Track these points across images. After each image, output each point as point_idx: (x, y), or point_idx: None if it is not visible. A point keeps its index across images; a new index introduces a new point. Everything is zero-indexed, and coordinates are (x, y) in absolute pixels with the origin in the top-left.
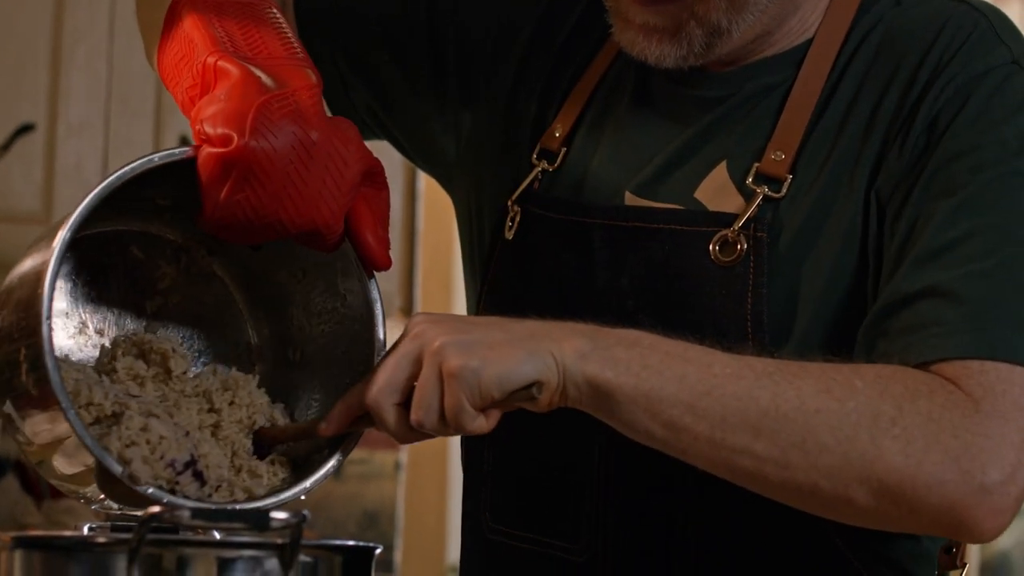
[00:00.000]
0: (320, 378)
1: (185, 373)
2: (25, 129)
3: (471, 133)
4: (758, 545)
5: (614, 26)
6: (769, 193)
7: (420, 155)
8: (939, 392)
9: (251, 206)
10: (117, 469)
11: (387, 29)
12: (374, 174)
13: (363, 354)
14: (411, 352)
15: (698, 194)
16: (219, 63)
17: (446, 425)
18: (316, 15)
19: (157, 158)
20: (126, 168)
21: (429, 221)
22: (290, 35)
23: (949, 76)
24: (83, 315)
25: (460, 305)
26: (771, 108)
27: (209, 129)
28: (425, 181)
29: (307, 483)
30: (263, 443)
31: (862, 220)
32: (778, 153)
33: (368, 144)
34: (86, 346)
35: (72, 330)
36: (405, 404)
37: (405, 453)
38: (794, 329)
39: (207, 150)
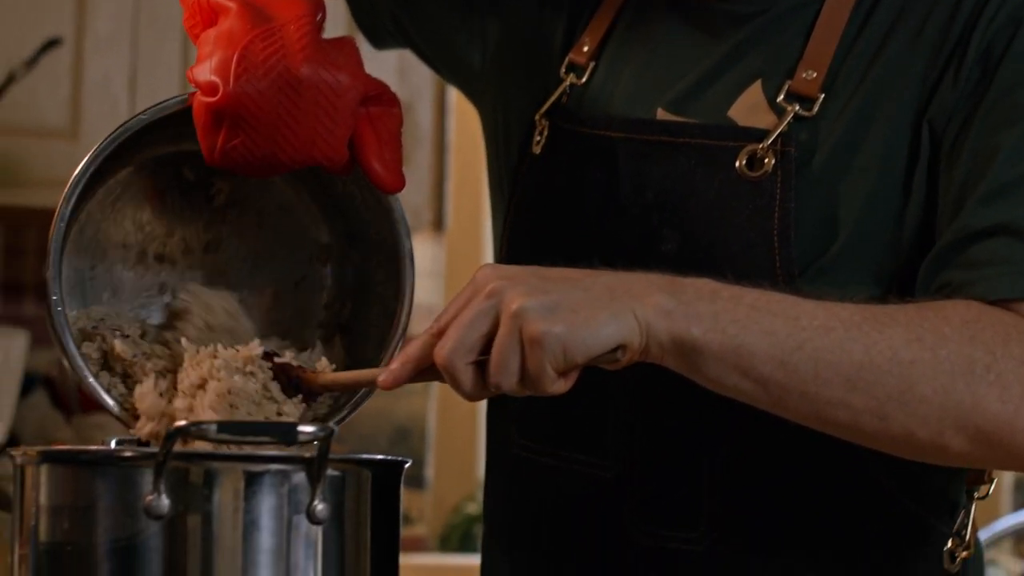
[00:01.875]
0: (374, 285)
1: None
2: (52, 44)
3: (497, 44)
4: (789, 464)
5: None
6: (800, 112)
7: (445, 65)
8: None
9: (247, 150)
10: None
11: None
12: (378, 95)
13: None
14: (488, 310)
15: (732, 112)
16: None
17: (524, 387)
18: None
19: (147, 114)
20: (119, 130)
21: (459, 134)
22: None
23: (1000, 1)
24: (142, 243)
25: (490, 218)
26: (804, 25)
27: (199, 76)
28: (455, 94)
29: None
30: (314, 390)
31: (909, 147)
32: (809, 72)
33: (399, 56)
34: (147, 274)
35: (132, 260)
36: (478, 363)
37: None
38: (829, 251)
39: (199, 98)
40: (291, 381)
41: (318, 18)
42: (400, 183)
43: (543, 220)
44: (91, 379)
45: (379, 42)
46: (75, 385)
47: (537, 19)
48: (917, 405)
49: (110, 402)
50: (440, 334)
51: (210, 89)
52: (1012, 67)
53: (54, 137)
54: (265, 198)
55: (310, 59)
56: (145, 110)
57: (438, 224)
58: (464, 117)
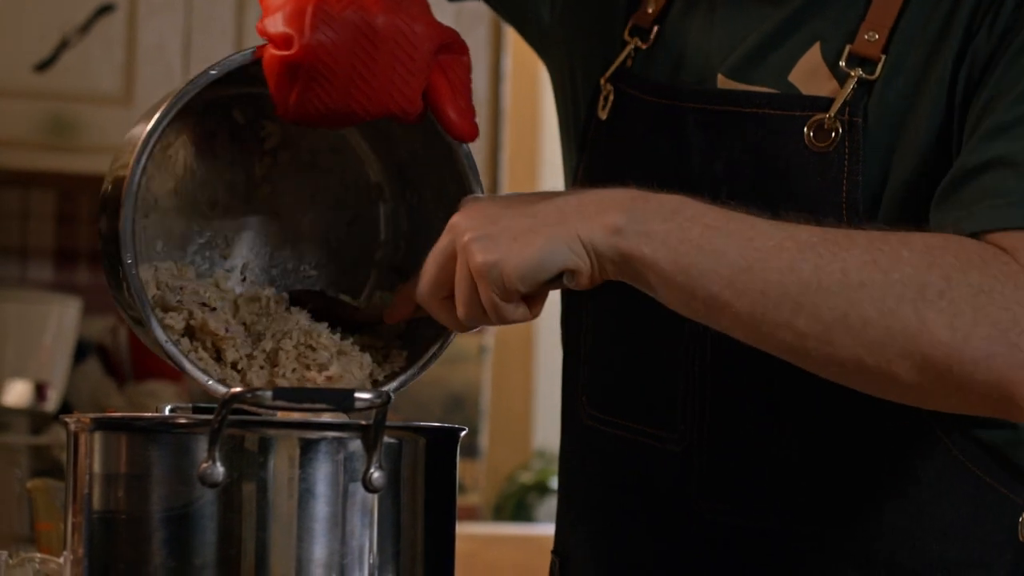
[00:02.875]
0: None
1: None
2: (106, 9)
3: (563, 6)
4: (857, 437)
5: None
6: (863, 75)
7: (514, 18)
8: (992, 263)
9: (323, 103)
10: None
11: None
12: (450, 44)
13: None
14: (447, 247)
15: (792, 77)
16: None
17: (490, 318)
18: None
19: (215, 71)
20: (188, 86)
21: (515, 99)
22: None
23: None
24: (192, 190)
25: (547, 185)
26: None
27: (271, 28)
28: (511, 61)
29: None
30: (336, 320)
31: (946, 104)
32: (871, 34)
33: (455, 21)
34: (199, 220)
35: (184, 207)
36: (451, 297)
37: (491, 336)
38: (879, 215)
39: (271, 51)
40: (330, 315)
41: None
42: (475, 131)
43: (612, 187)
44: (179, 354)
45: None
46: (128, 352)
47: None
48: (862, 328)
49: (201, 375)
50: None
51: (284, 42)
52: None
53: (108, 103)
54: (316, 139)
55: (386, 9)
56: (212, 65)
57: (494, 190)
58: (520, 86)
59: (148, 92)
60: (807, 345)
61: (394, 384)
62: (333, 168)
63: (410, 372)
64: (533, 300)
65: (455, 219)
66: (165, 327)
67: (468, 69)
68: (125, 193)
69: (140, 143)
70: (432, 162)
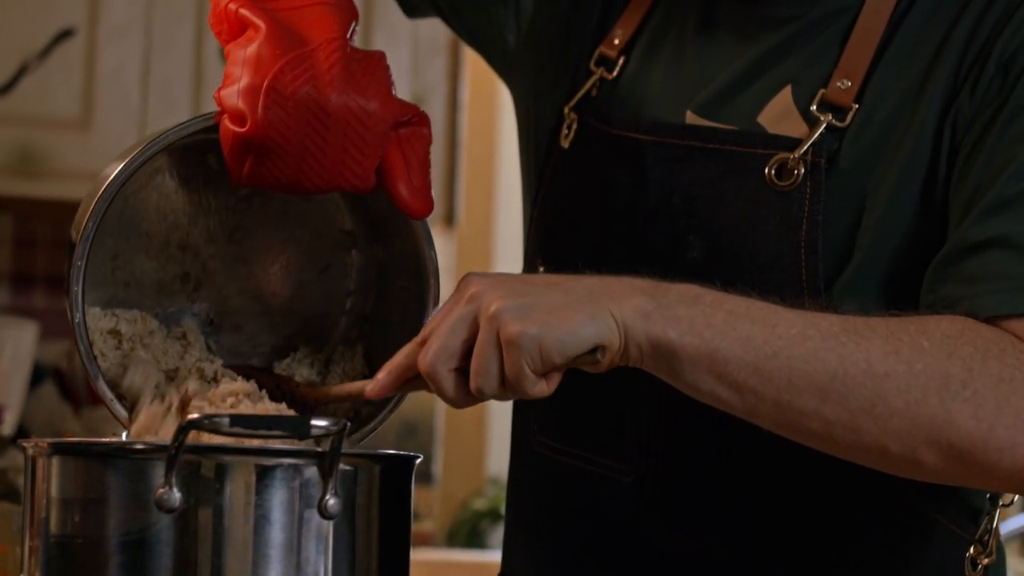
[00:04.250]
0: (395, 286)
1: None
2: (65, 34)
3: (531, 24)
4: (807, 470)
5: None
6: (834, 122)
7: (479, 42)
8: (1010, 351)
9: (274, 177)
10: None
11: None
12: (407, 119)
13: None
14: (467, 316)
15: (761, 118)
16: (240, 11)
17: (506, 391)
18: None
19: (171, 134)
20: (138, 152)
21: (472, 130)
22: None
23: None
24: (165, 232)
25: (503, 214)
26: (839, 32)
27: (227, 101)
28: (468, 90)
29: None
30: (305, 404)
31: (929, 157)
32: (844, 81)
33: (413, 50)
34: (169, 264)
35: (155, 249)
36: (461, 369)
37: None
38: (851, 262)
39: (226, 124)
40: (284, 396)
41: (350, 32)
42: (427, 208)
43: (569, 217)
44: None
45: (412, 11)
46: (84, 377)
47: (572, 3)
48: (889, 418)
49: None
50: (424, 342)
51: (238, 117)
52: None
53: (66, 128)
54: None
55: (339, 88)
56: (173, 127)
57: (449, 219)
58: (477, 113)
59: (107, 117)
60: (833, 432)
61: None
62: (306, 216)
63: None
64: (551, 377)
65: (474, 289)
66: (96, 358)
67: (427, 142)
68: (78, 249)
69: (90, 215)
70: (401, 219)
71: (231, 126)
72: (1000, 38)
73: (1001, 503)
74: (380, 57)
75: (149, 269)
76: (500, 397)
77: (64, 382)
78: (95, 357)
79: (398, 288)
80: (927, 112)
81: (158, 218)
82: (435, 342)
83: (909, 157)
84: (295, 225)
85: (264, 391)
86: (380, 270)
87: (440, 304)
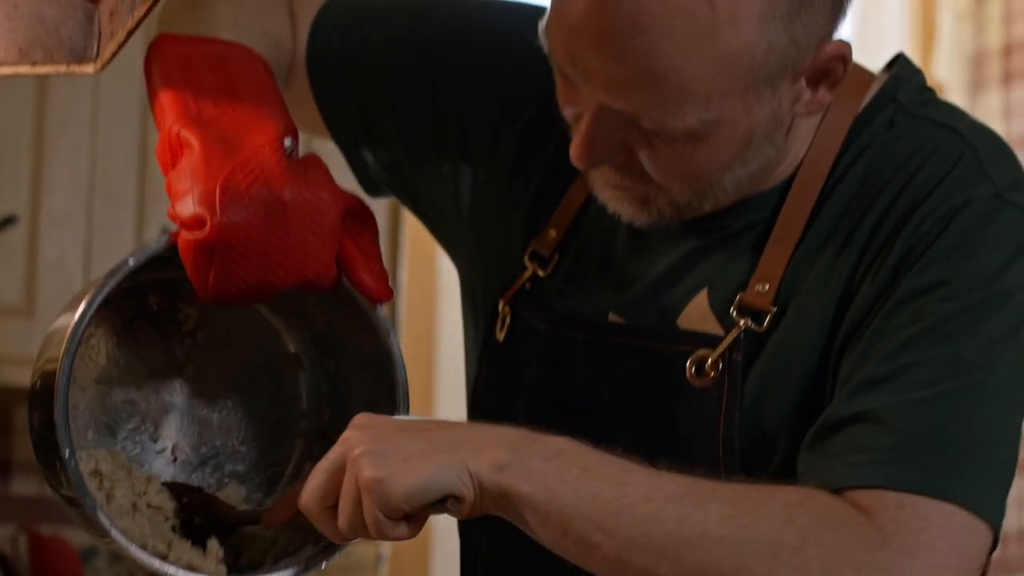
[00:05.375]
0: (355, 392)
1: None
2: (7, 222)
3: (469, 213)
4: None
5: (590, 183)
6: (752, 326)
7: (424, 220)
8: (848, 524)
9: (241, 279)
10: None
11: (395, 98)
12: (355, 210)
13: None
14: (337, 459)
15: (680, 321)
16: (182, 132)
17: (370, 532)
18: (327, 75)
19: (132, 261)
20: (106, 278)
21: (412, 270)
22: (257, 86)
23: (927, 210)
24: (118, 377)
25: (445, 313)
26: (757, 239)
27: (183, 212)
28: (408, 229)
29: None
30: (223, 523)
31: (822, 349)
32: (762, 285)
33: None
34: (125, 407)
35: (110, 393)
36: (335, 507)
37: (387, 546)
38: (772, 460)
39: (185, 235)
40: (203, 513)
41: (288, 145)
42: (389, 292)
43: (504, 407)
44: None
45: (373, 191)
46: (27, 559)
47: (506, 196)
48: None
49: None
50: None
51: (197, 223)
52: (926, 271)
53: (9, 315)
54: (231, 317)
55: (291, 181)
56: (130, 254)
57: (392, 320)
58: (417, 257)
59: (49, 304)
60: None
61: None
62: (251, 343)
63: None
64: (414, 520)
65: (347, 433)
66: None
67: (375, 233)
68: (57, 385)
69: (68, 335)
70: (348, 327)
71: (191, 235)
72: (901, 235)
73: None
74: (315, 157)
75: (108, 413)
76: (371, 537)
77: (8, 566)
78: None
79: (360, 391)
80: (830, 305)
81: (110, 364)
82: (311, 481)
83: (815, 356)
84: (241, 353)
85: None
86: (333, 383)
87: (408, 399)
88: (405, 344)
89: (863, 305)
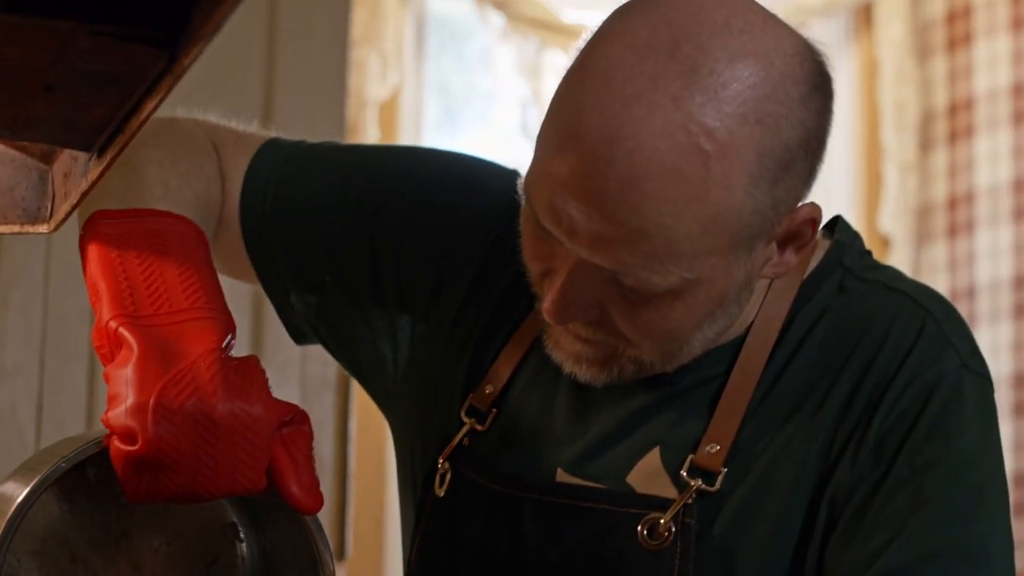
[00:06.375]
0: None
1: None
2: None
3: (406, 369)
4: None
5: (545, 339)
6: (703, 486)
7: (357, 375)
8: None
9: (170, 490)
10: None
11: (332, 255)
12: (289, 419)
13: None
14: None
15: (630, 478)
16: (120, 330)
17: None
18: (261, 230)
19: (64, 463)
20: (39, 479)
21: (361, 462)
22: (194, 275)
23: (900, 388)
24: (56, 550)
25: (393, 547)
26: (708, 397)
27: (115, 422)
28: (357, 422)
29: None
30: None
31: (802, 524)
32: (713, 445)
33: (301, 384)
34: None
35: (49, 567)
36: None
37: None
38: None
39: (116, 444)
40: None
41: (226, 343)
42: (319, 504)
43: (446, 565)
44: None
45: (300, 339)
46: None
47: (444, 352)
48: None
49: None
50: None
51: (128, 436)
52: (907, 460)
53: None
54: None
55: (223, 397)
56: (63, 457)
57: (340, 553)
58: (365, 448)
59: (2, 455)
60: None
61: None
62: (187, 514)
63: None
64: None
65: None
66: None
67: (309, 438)
68: None
69: (2, 531)
70: (283, 511)
71: (122, 446)
72: (877, 412)
73: None
74: (255, 362)
75: None
76: None
77: None
78: None
79: (288, 569)
80: (801, 477)
81: (48, 536)
82: None
83: (780, 523)
84: (178, 523)
85: None
86: (267, 559)
87: None
88: (356, 490)
89: (846, 481)
